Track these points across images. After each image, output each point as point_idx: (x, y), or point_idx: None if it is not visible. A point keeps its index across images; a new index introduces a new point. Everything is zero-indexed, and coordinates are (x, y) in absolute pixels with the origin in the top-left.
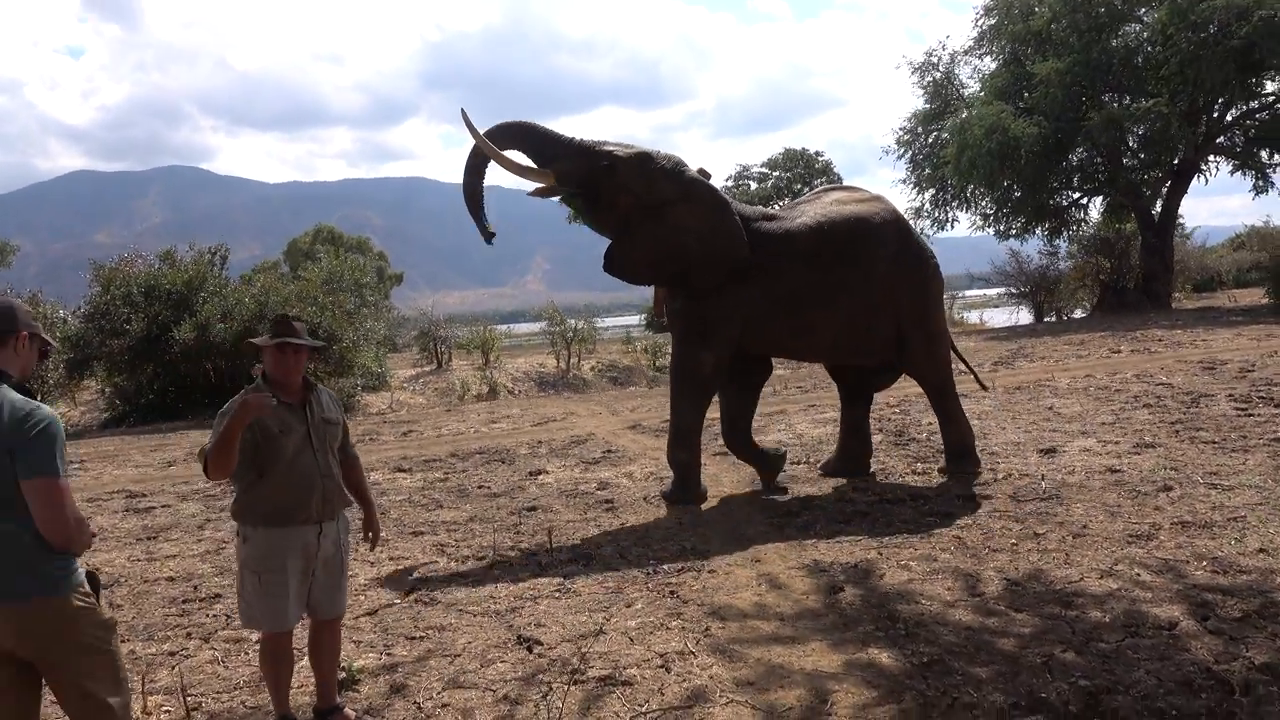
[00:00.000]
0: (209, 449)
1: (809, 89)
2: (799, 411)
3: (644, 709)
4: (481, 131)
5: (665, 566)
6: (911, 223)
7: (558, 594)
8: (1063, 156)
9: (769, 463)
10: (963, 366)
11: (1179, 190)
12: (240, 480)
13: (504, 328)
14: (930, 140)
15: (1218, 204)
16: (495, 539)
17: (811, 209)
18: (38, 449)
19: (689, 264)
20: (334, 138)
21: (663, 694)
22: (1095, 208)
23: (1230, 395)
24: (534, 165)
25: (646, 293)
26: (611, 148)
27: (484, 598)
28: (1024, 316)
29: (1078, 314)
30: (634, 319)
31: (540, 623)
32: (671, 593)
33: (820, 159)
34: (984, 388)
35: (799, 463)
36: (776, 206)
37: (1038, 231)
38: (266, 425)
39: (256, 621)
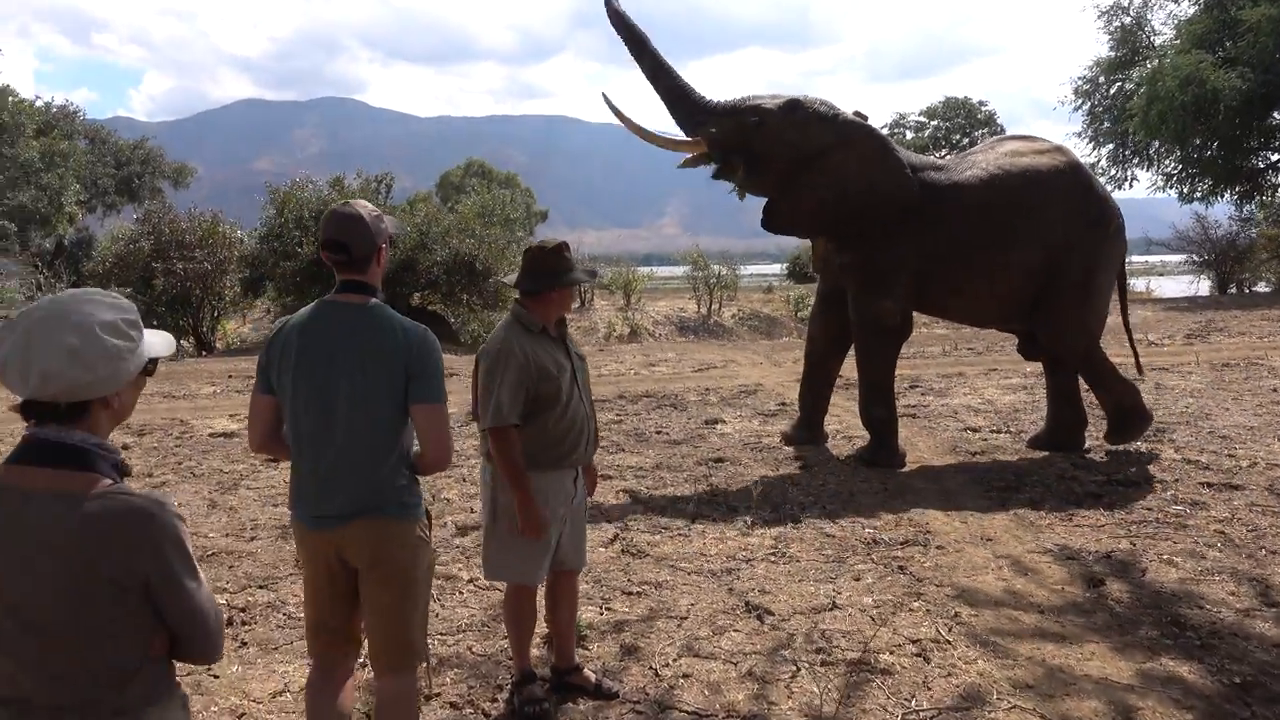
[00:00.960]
0: (507, 458)
1: (965, 35)
2: (979, 375)
3: (912, 704)
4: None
5: (885, 537)
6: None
7: (773, 558)
8: (1266, 113)
9: (810, 433)
10: (1126, 347)
11: None
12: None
13: (644, 270)
14: (1112, 91)
15: None
16: (693, 490)
17: (984, 159)
18: (434, 374)
19: (855, 210)
20: (482, 73)
21: (929, 689)
22: None
23: None
24: (680, 135)
25: (785, 242)
26: (756, 101)
27: (694, 554)
28: (1202, 287)
29: (1260, 287)
30: (773, 268)
31: (764, 589)
32: (900, 568)
33: (983, 108)
34: (1139, 372)
35: (999, 432)
36: (935, 156)
37: (1226, 195)
38: (544, 364)
39: (508, 573)
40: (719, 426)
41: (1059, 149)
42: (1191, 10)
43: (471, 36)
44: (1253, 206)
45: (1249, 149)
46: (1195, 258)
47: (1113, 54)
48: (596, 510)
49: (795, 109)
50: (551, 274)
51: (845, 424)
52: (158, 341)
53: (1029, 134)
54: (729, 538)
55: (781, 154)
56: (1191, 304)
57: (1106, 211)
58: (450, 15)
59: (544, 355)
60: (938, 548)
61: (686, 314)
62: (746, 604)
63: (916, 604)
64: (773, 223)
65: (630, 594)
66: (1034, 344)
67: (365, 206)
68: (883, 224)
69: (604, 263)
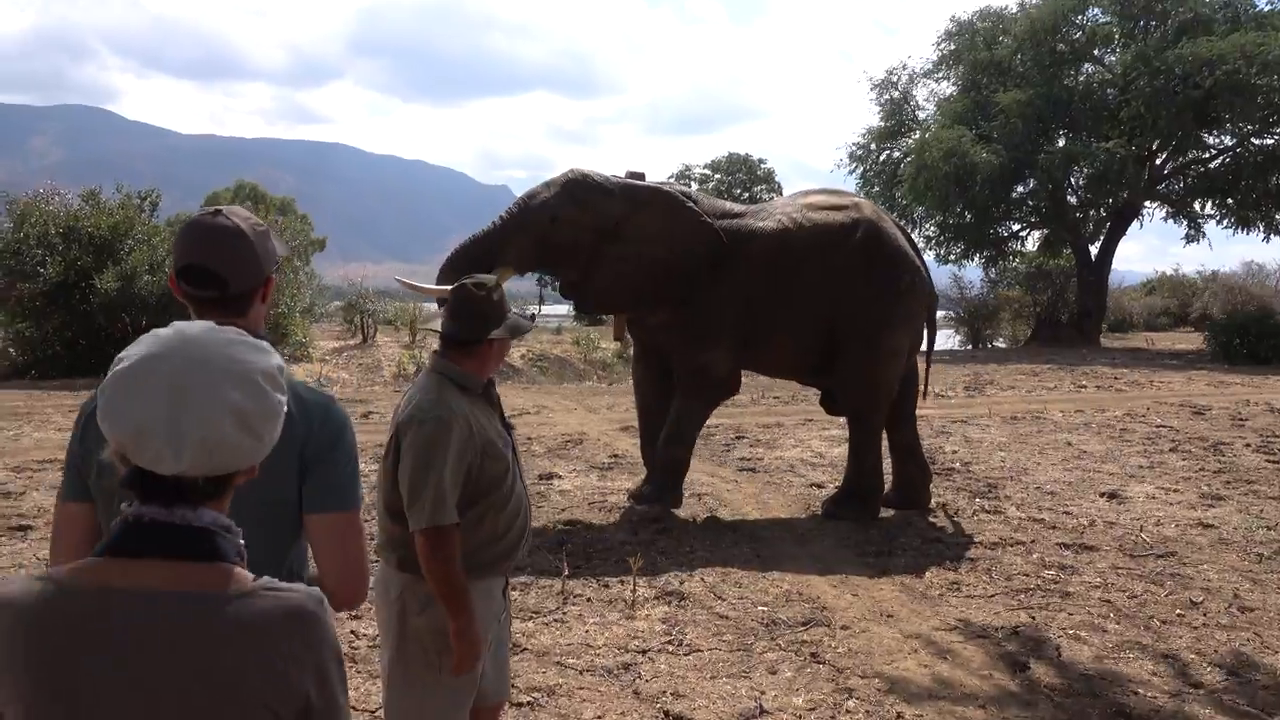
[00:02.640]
0: (449, 570)
1: (738, 96)
2: (799, 425)
3: None
4: (434, 284)
5: (782, 616)
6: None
7: (671, 648)
8: (1012, 187)
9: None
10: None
11: (1118, 231)
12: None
13: (432, 306)
14: (881, 158)
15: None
16: (552, 561)
17: (782, 210)
18: (343, 469)
19: (663, 270)
20: (251, 93)
21: None
22: (1032, 241)
23: (1247, 445)
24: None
25: None
26: (536, 200)
27: (579, 645)
28: (953, 342)
29: (999, 343)
30: (561, 308)
31: (676, 691)
32: (813, 655)
33: (763, 165)
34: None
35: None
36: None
37: (975, 259)
38: (489, 437)
39: None
40: (556, 483)
41: (858, 204)
42: (951, 90)
43: (240, 52)
44: (995, 271)
45: (996, 218)
46: (952, 315)
47: (883, 124)
48: None
49: (577, 189)
50: (496, 319)
51: (690, 479)
52: None
53: (834, 189)
54: (613, 622)
55: (583, 239)
56: (952, 357)
57: (896, 270)
58: (215, 27)
59: (487, 425)
60: (842, 628)
61: None
62: (665, 714)
63: (851, 703)
64: (585, 305)
65: (520, 705)
66: (835, 400)
67: (245, 217)
68: (692, 277)
69: (387, 297)
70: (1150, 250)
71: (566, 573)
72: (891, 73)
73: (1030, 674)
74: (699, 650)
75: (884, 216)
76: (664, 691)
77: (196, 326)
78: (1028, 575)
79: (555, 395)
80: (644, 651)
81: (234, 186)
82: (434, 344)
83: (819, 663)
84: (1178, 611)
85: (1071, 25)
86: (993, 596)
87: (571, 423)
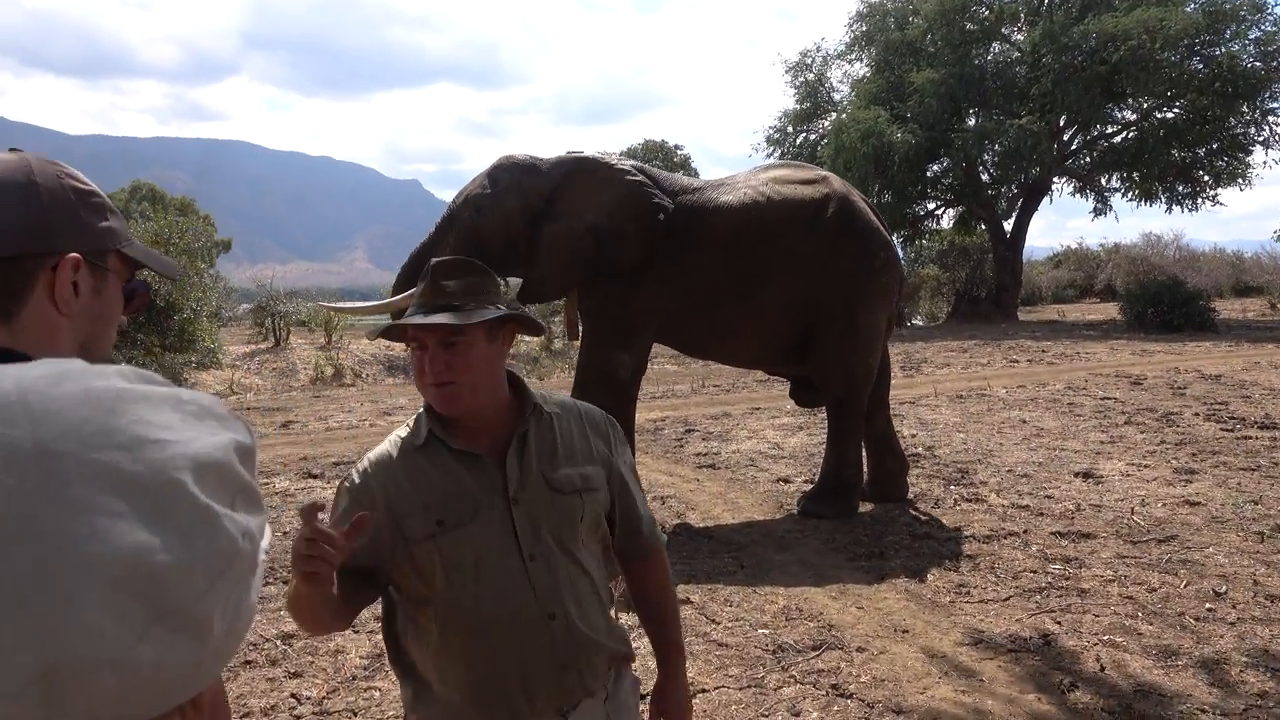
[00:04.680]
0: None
1: (647, 84)
2: (747, 415)
3: None
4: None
5: (788, 640)
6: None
7: None
8: (926, 166)
9: None
10: None
11: (1030, 207)
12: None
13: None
14: (799, 141)
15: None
16: None
17: (744, 184)
18: None
19: (605, 242)
20: (142, 90)
21: None
22: (947, 218)
23: (1196, 414)
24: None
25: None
26: (463, 193)
27: None
28: None
29: (917, 321)
30: None
31: None
32: (833, 686)
33: (679, 152)
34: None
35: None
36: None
37: (894, 238)
38: (406, 510)
39: None
40: None
41: (825, 178)
42: (865, 71)
43: (126, 48)
44: (912, 250)
45: (913, 197)
46: None
47: (799, 107)
48: None
49: (500, 173)
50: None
51: (650, 480)
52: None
53: (797, 162)
54: None
55: (514, 224)
56: None
57: (870, 246)
58: (97, 24)
59: (421, 490)
60: (858, 649)
61: (394, 352)
62: None
63: None
64: (530, 294)
65: None
66: (808, 390)
67: (38, 158)
68: (630, 259)
69: (299, 298)
70: (1050, 225)
71: None
72: (805, 55)
73: (1078, 694)
74: (705, 690)
75: (853, 190)
76: None
77: (22, 368)
78: (1034, 572)
79: None
80: (644, 695)
81: (129, 187)
82: (354, 346)
83: (844, 697)
84: (1206, 606)
85: (980, 4)
86: (1007, 600)
87: None
